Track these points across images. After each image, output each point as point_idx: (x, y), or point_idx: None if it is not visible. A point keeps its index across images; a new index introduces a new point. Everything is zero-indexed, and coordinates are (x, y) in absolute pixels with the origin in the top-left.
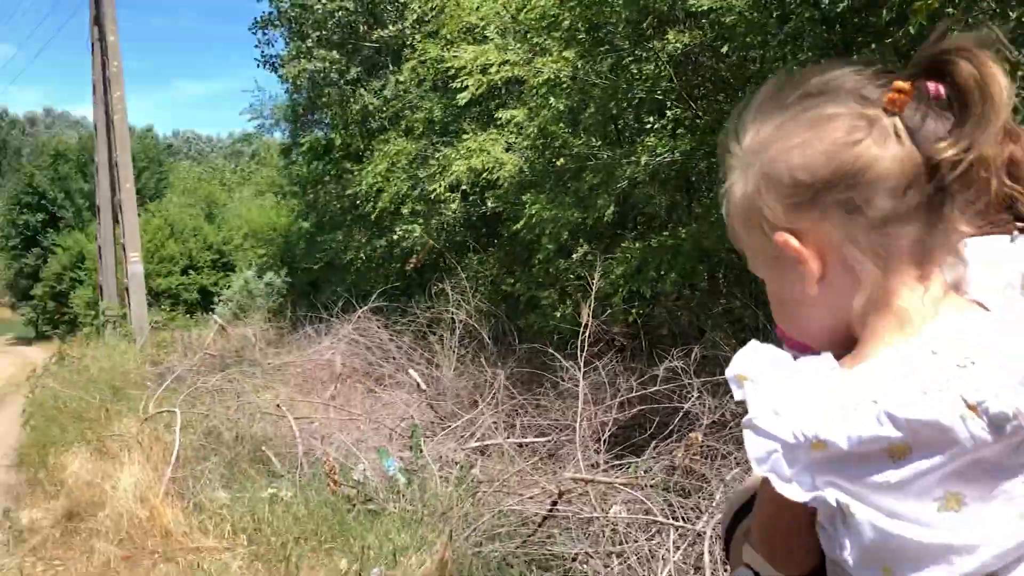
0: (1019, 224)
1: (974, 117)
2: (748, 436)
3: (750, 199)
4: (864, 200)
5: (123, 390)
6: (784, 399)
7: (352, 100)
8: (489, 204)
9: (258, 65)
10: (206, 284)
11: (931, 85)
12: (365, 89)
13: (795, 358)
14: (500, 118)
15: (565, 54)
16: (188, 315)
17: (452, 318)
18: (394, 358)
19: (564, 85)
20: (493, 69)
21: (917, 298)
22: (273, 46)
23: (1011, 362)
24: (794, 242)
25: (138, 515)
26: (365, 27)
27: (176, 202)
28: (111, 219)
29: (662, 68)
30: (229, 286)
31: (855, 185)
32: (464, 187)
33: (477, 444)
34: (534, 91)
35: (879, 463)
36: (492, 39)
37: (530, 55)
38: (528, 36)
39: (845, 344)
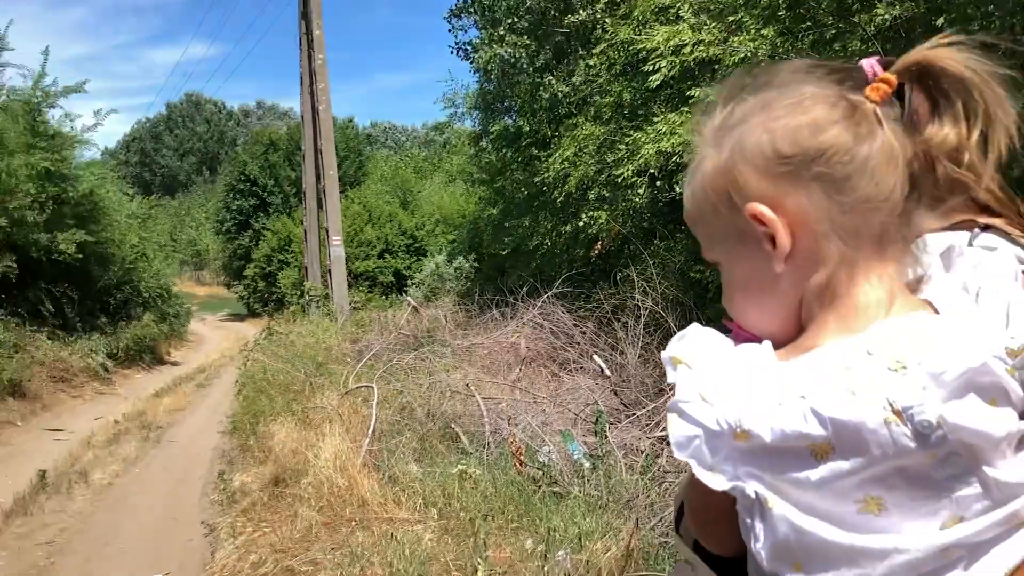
0: (980, 220)
1: (969, 107)
2: (672, 419)
3: (723, 169)
4: (845, 178)
5: (325, 365)
6: (713, 386)
7: (541, 88)
8: (678, 189)
9: (452, 52)
10: (400, 267)
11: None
12: (554, 76)
13: (735, 342)
14: (695, 96)
15: (763, 32)
16: (383, 297)
17: (637, 305)
18: (578, 343)
19: (762, 64)
20: (686, 50)
21: (872, 292)
22: (466, 32)
23: (944, 371)
24: (768, 212)
25: (337, 484)
26: (556, 13)
27: (373, 189)
28: (315, 204)
29: (869, 44)
30: (421, 270)
31: (837, 162)
32: (652, 171)
33: (663, 433)
34: (730, 71)
35: (801, 459)
36: (686, 19)
37: (725, 34)
38: (724, 14)
39: (793, 338)
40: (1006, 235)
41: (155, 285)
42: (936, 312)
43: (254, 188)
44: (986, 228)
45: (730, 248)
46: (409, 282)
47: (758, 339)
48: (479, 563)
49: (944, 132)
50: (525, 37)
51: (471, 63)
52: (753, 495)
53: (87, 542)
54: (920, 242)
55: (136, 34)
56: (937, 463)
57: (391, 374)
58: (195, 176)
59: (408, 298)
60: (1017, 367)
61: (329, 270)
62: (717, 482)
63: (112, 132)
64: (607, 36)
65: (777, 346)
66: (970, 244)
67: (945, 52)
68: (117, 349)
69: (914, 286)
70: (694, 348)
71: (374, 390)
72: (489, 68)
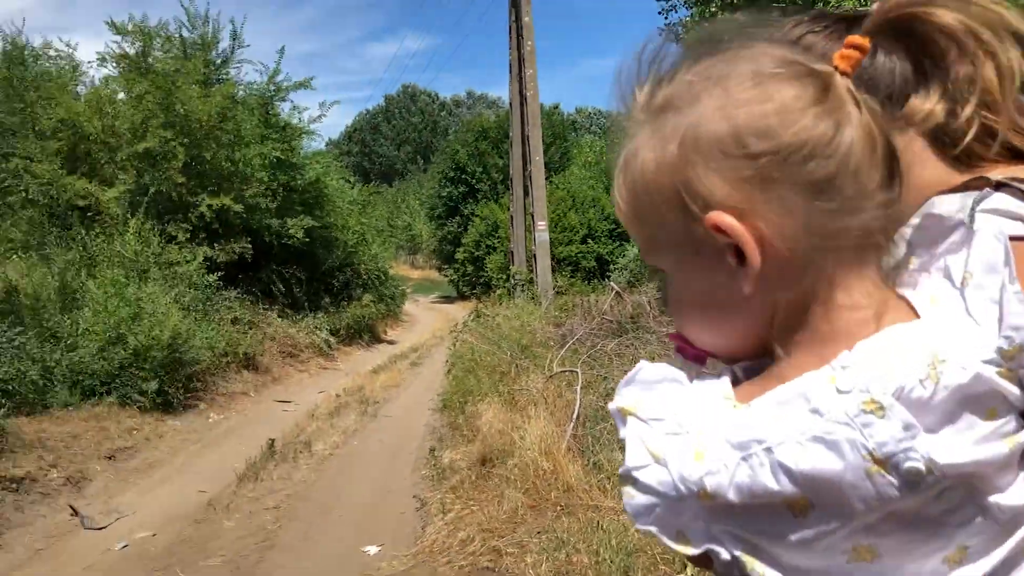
0: (993, 176)
1: (960, 67)
2: (625, 490)
3: (672, 167)
4: (827, 178)
5: (530, 348)
6: (667, 442)
7: None
8: None
9: (660, 35)
10: (603, 253)
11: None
12: None
13: (690, 374)
14: None
15: None
16: (585, 282)
17: None
18: None
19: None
20: None
21: (855, 312)
22: (676, 12)
23: (930, 396)
24: (735, 223)
25: (542, 467)
26: None
27: (577, 175)
28: (521, 191)
29: None
30: (624, 255)
31: (817, 159)
32: None
33: None
34: None
35: (778, 516)
36: None
37: None
38: None
39: (760, 351)
40: (1022, 194)
41: (373, 268)
42: (915, 314)
43: (463, 175)
44: (999, 187)
45: (681, 258)
46: (612, 268)
47: (707, 356)
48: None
49: (929, 106)
50: (739, 15)
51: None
52: (729, 557)
53: (310, 509)
54: (920, 211)
55: (358, 30)
56: (931, 500)
57: (594, 359)
58: (410, 165)
59: (611, 283)
60: (1014, 367)
61: (534, 255)
62: (688, 548)
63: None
64: (829, 8)
65: (732, 362)
66: (972, 210)
67: (937, 5)
68: (339, 327)
69: (896, 273)
70: (644, 394)
71: (578, 375)
72: None
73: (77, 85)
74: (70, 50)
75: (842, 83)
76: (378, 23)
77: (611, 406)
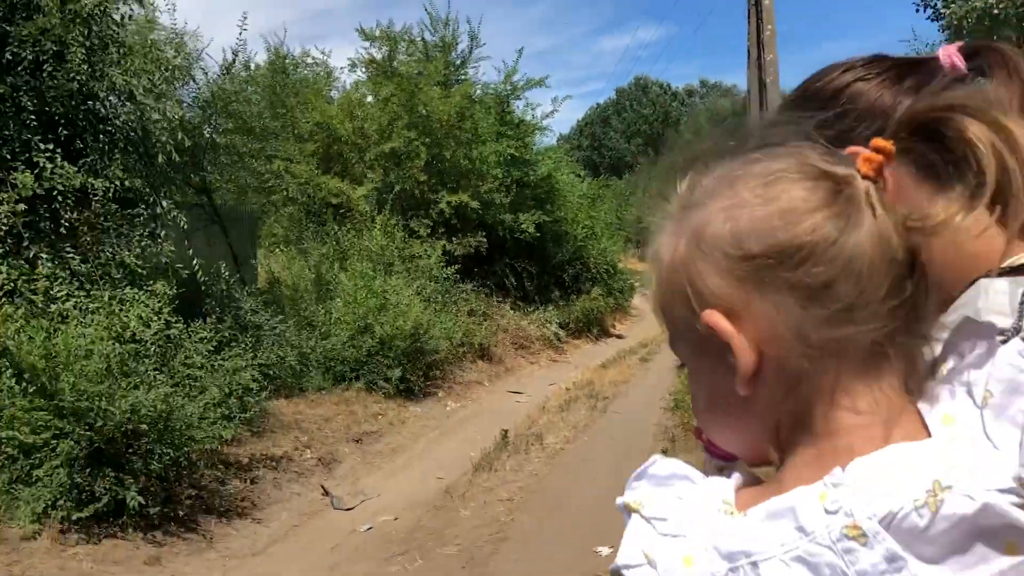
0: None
1: (981, 180)
2: None
3: (681, 263)
4: (824, 285)
5: None
6: (661, 544)
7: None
8: None
9: (917, 10)
10: None
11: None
12: None
13: (707, 469)
14: None
15: None
16: None
17: None
18: None
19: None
20: None
21: (858, 425)
22: None
23: (925, 527)
24: (726, 324)
25: None
26: None
27: None
28: None
29: None
30: None
31: (815, 264)
32: None
33: None
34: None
35: None
36: None
37: None
38: None
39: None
40: None
41: (602, 261)
42: (927, 432)
43: None
44: None
45: (692, 353)
46: None
47: (733, 457)
48: None
49: (952, 210)
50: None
51: (940, 21)
52: None
53: (540, 503)
54: (963, 297)
55: (589, 24)
56: None
57: None
58: (641, 157)
59: None
60: None
61: None
62: None
63: (566, 118)
64: None
65: (755, 466)
66: (1021, 305)
67: (968, 114)
68: (568, 320)
69: (918, 383)
70: (652, 490)
71: None
72: (964, 23)
73: (331, 90)
74: (325, 57)
75: (861, 186)
76: (609, 16)
77: (618, 501)
